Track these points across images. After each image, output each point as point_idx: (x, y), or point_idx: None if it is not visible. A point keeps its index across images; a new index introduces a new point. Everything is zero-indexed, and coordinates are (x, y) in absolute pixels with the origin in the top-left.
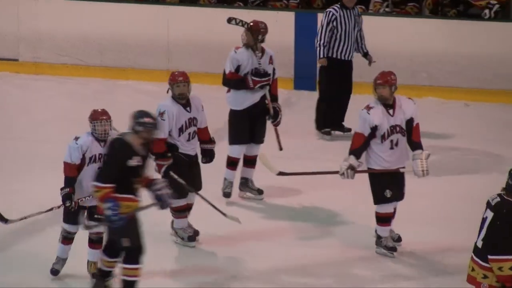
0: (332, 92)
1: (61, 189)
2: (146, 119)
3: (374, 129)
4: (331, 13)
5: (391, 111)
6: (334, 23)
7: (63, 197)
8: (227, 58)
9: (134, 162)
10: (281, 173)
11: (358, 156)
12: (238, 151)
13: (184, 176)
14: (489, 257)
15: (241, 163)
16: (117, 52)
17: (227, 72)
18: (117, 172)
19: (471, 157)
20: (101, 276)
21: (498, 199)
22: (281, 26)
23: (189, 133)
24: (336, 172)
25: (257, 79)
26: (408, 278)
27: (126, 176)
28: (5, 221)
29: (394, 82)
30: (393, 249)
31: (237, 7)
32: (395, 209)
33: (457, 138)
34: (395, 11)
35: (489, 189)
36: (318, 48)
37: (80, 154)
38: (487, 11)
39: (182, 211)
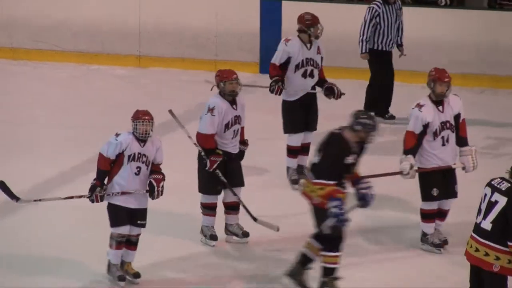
0: (384, 79)
1: (94, 180)
2: (368, 120)
3: (426, 126)
4: (374, 9)
5: (440, 107)
6: (377, 19)
7: (90, 187)
8: (277, 49)
9: (350, 159)
10: None
11: (414, 155)
12: (297, 139)
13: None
14: (509, 243)
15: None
16: (89, 37)
17: (272, 62)
18: (338, 168)
19: None
20: (303, 262)
21: (508, 184)
22: (247, 12)
23: (234, 131)
24: (400, 173)
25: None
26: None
27: (341, 173)
28: (17, 199)
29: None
30: (440, 245)
31: None
32: (443, 210)
33: None
34: None
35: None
36: (360, 43)
37: (117, 150)
38: None
39: (211, 209)
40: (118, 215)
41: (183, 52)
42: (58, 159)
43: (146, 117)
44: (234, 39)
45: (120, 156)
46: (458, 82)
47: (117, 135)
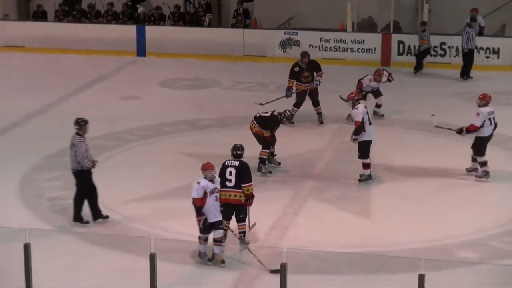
0: (470, 62)
1: (197, 216)
2: (288, 113)
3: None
4: (467, 31)
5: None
6: (469, 33)
7: (203, 221)
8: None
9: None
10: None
11: (357, 134)
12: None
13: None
14: (242, 185)
15: None
16: None
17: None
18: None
19: None
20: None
21: (236, 162)
22: None
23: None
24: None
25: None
26: None
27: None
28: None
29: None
30: (370, 177)
31: None
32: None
33: None
34: None
35: None
36: (464, 46)
37: (203, 191)
38: None
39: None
40: (205, 227)
41: None
42: None
43: (210, 168)
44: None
45: (205, 193)
46: None
47: (198, 182)
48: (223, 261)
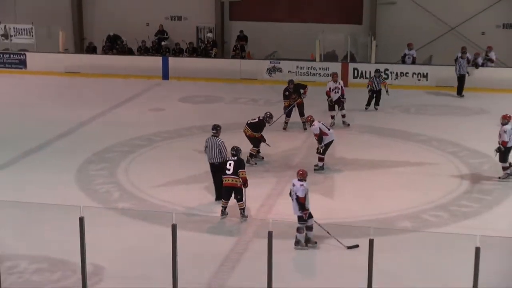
0: (461, 84)
1: (303, 211)
2: (268, 114)
3: (322, 129)
4: (459, 60)
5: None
6: (459, 63)
7: (308, 215)
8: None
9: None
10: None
11: (321, 142)
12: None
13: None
14: (239, 171)
15: None
16: None
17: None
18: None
19: None
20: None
21: (235, 158)
22: None
23: None
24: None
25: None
26: None
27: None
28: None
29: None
30: (322, 168)
31: None
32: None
33: None
34: None
35: None
36: (456, 72)
37: (305, 192)
38: None
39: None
40: (304, 219)
41: None
42: None
43: (304, 174)
44: None
45: (306, 194)
46: None
47: (302, 185)
48: (315, 242)
